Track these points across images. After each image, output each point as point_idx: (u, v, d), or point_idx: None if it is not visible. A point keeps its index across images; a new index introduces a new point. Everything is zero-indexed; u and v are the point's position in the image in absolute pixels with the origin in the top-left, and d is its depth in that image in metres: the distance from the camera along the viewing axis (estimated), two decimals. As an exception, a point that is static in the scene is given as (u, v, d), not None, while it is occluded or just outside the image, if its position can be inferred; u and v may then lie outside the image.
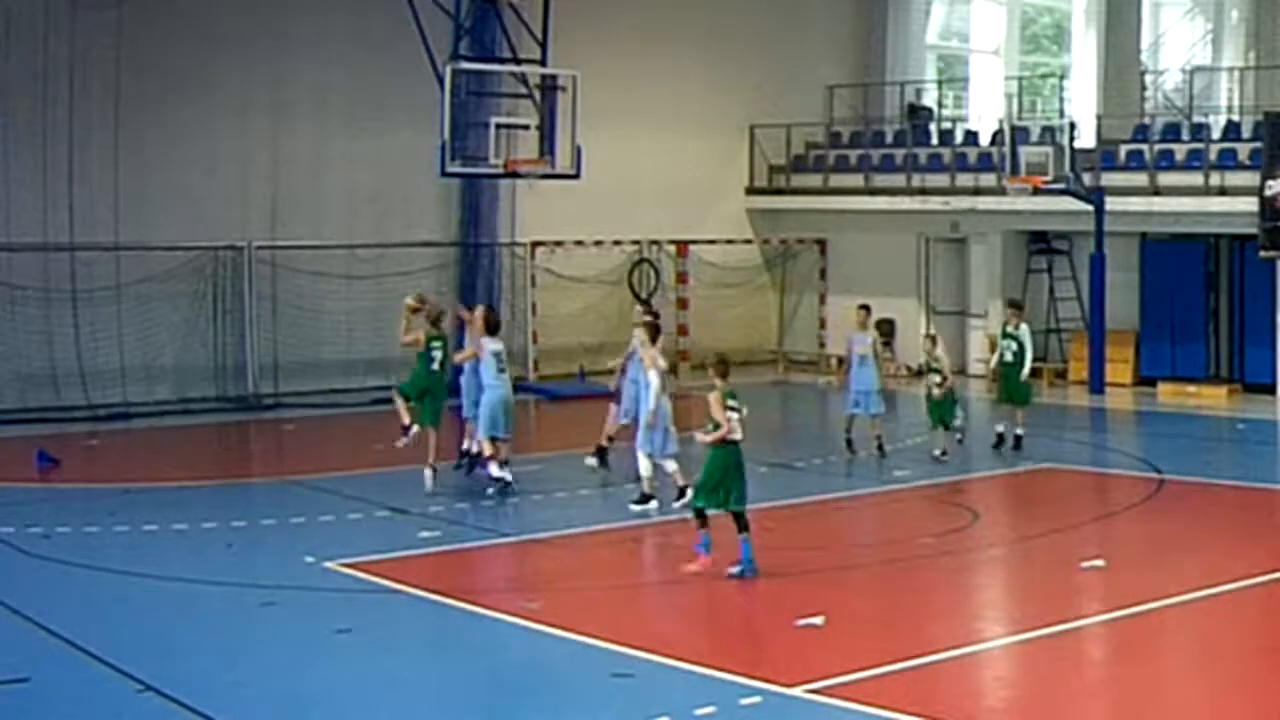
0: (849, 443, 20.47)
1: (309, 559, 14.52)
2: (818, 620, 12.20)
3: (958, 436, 20.76)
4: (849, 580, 14.25)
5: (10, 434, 22.67)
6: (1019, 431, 20.88)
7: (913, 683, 10.74)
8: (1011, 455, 20.52)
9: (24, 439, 21.90)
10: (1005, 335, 21.09)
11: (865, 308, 21.04)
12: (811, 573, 14.44)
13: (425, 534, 15.82)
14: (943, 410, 20.28)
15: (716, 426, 13.73)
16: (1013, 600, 13.91)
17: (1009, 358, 20.88)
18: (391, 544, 15.35)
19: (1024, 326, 21.01)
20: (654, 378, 16.82)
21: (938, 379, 20.18)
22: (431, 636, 12.56)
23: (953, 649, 11.53)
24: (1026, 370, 20.93)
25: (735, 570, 13.63)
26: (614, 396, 19.00)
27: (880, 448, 20.29)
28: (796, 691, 10.41)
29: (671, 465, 16.80)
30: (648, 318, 18.18)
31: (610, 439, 18.91)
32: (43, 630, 12.13)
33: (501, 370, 18.20)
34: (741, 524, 13.72)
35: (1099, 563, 14.33)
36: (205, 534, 15.88)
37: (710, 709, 10.06)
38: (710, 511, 13.80)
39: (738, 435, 13.85)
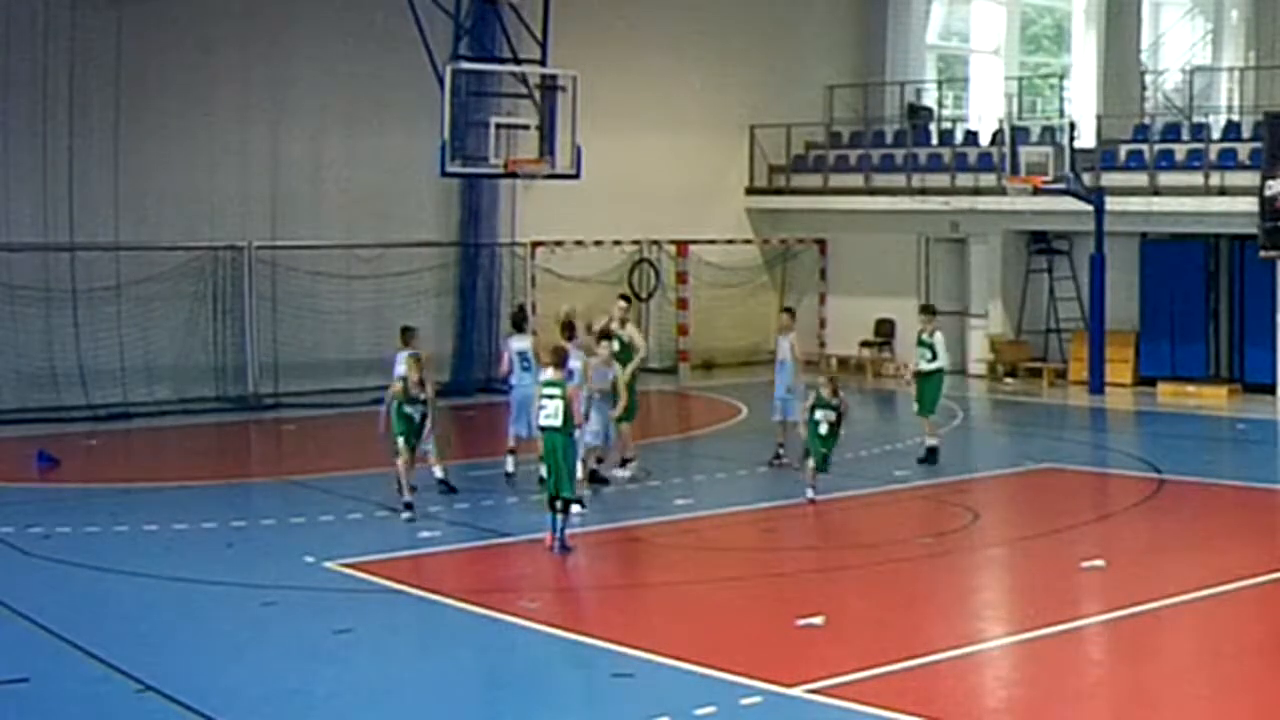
0: (778, 454, 19.53)
1: (309, 559, 14.52)
2: (818, 620, 12.21)
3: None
4: (849, 580, 14.25)
5: (10, 434, 22.67)
6: (930, 443, 19.85)
7: (913, 683, 10.74)
8: (924, 468, 19.52)
9: (24, 439, 21.90)
10: (920, 344, 20.14)
11: (788, 311, 20.87)
12: (811, 573, 14.46)
13: (425, 534, 15.82)
14: (826, 444, 17.43)
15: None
16: (1013, 600, 13.90)
17: (923, 366, 20.00)
18: (391, 544, 15.36)
19: (938, 334, 20.12)
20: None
21: (833, 415, 17.37)
22: (431, 636, 12.57)
23: (953, 649, 11.53)
24: (944, 379, 20.09)
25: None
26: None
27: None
28: (796, 691, 10.41)
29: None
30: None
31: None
32: (43, 630, 12.14)
33: (525, 369, 18.21)
34: (554, 507, 14.75)
35: (1099, 563, 14.32)
36: (205, 534, 15.88)
37: (710, 709, 10.06)
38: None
39: (550, 422, 14.69)
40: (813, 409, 17.41)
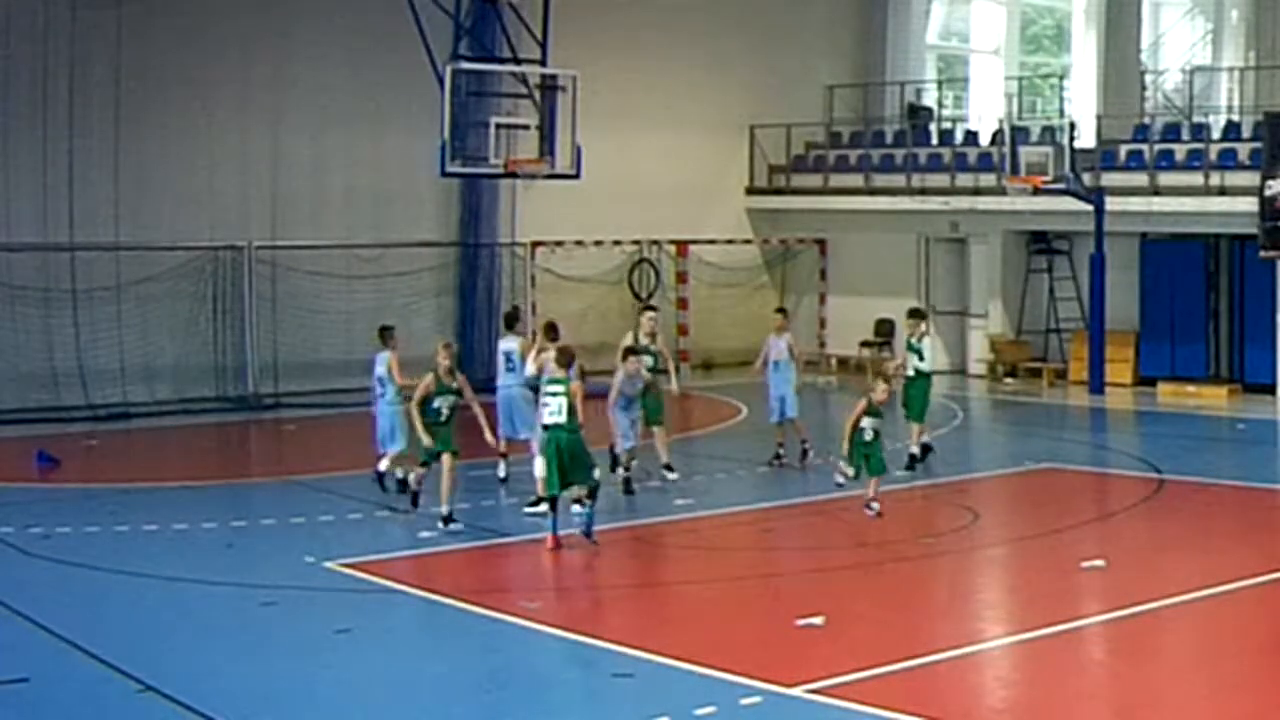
0: (777, 455, 19.55)
1: (309, 559, 14.52)
2: (818, 620, 12.20)
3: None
4: (849, 580, 14.25)
5: (10, 434, 22.68)
6: (913, 449, 19.42)
7: (913, 683, 10.74)
8: (923, 468, 19.36)
9: (24, 439, 21.91)
10: (909, 348, 19.92)
11: (782, 311, 20.81)
12: (811, 573, 14.46)
13: (425, 534, 15.80)
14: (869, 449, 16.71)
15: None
16: (1013, 600, 13.90)
17: (911, 372, 19.69)
18: (391, 544, 15.36)
19: (927, 339, 19.85)
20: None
21: (879, 423, 16.76)
22: (431, 636, 12.57)
23: (953, 649, 11.52)
24: (931, 383, 19.90)
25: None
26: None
27: (805, 452, 19.34)
28: (796, 691, 10.41)
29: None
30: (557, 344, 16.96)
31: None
32: (43, 630, 12.13)
33: (510, 369, 18.10)
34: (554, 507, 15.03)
35: (1099, 563, 14.32)
36: (205, 534, 15.89)
37: (710, 709, 10.06)
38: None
39: (554, 419, 14.85)
40: (861, 416, 16.54)
